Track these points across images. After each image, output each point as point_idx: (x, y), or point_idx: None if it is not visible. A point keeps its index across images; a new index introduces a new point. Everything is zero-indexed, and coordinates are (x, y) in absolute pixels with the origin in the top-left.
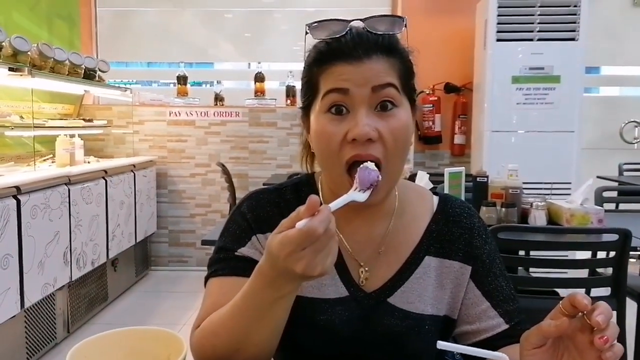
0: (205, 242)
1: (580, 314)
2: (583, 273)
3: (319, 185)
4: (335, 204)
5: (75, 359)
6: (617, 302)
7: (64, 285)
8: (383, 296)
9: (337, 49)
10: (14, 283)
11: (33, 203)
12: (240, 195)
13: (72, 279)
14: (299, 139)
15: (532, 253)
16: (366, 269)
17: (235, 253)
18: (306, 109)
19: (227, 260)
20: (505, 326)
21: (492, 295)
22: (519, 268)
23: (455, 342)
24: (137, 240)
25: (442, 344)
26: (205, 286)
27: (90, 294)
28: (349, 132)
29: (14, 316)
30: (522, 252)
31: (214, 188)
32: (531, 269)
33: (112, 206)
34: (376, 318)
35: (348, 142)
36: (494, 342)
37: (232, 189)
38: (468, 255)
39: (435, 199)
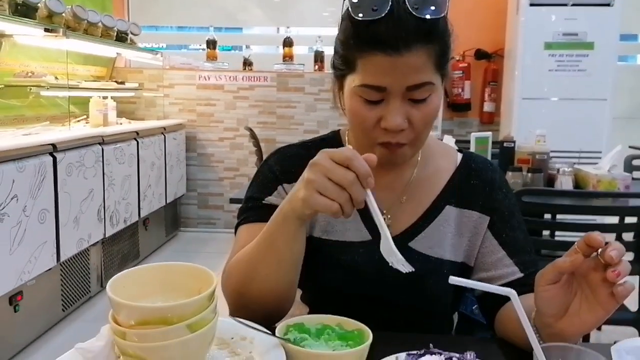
0: (233, 201)
1: (594, 254)
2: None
3: (346, 141)
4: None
5: (114, 287)
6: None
7: (97, 242)
8: (404, 240)
9: (376, 35)
10: (50, 237)
11: (68, 161)
12: None
13: (106, 236)
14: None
15: (557, 217)
16: (388, 216)
17: (263, 201)
18: (340, 76)
19: (255, 208)
20: (520, 274)
21: (508, 245)
22: (544, 232)
23: (472, 289)
24: (167, 202)
25: (454, 279)
26: (235, 235)
27: (123, 251)
28: (382, 119)
29: (51, 269)
30: (547, 217)
31: (242, 152)
32: (556, 234)
33: (143, 167)
34: None
35: (380, 127)
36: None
37: (259, 153)
38: (487, 206)
39: (460, 155)
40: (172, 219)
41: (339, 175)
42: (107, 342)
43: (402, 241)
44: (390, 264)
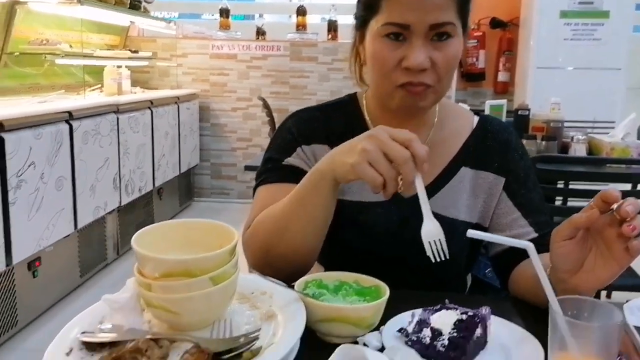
0: (248, 168)
1: (610, 210)
2: None
3: (363, 104)
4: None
5: (139, 241)
6: None
7: (113, 210)
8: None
9: None
10: (68, 204)
11: (84, 129)
12: None
13: (121, 204)
14: (350, 50)
15: (570, 185)
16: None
17: (283, 162)
18: (362, 24)
19: (274, 169)
20: (534, 235)
21: (523, 206)
22: (557, 200)
23: (486, 250)
24: (181, 171)
25: (471, 232)
26: (253, 196)
27: (138, 219)
28: (404, 59)
29: (68, 236)
30: (560, 185)
31: (255, 122)
32: (569, 201)
33: (157, 136)
34: (414, 221)
35: (402, 68)
36: (521, 250)
37: (272, 123)
38: (502, 168)
39: (476, 118)
40: (185, 188)
41: (396, 151)
42: (133, 294)
43: (416, 202)
44: (427, 249)
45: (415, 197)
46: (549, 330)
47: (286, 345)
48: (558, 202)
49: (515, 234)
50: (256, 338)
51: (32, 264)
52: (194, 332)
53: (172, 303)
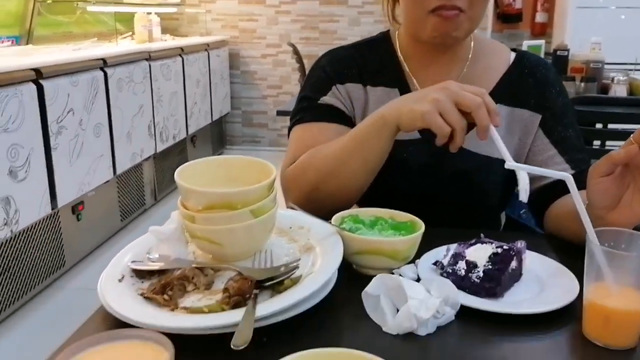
0: (280, 113)
1: None
2: None
3: (396, 41)
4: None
5: (182, 176)
6: None
7: (150, 156)
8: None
9: None
10: (106, 150)
11: (118, 76)
12: None
13: (157, 151)
14: None
15: (609, 127)
16: None
17: (318, 102)
18: None
19: (310, 108)
20: (572, 171)
21: (560, 144)
22: (595, 142)
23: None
24: (213, 119)
25: (510, 165)
26: (289, 136)
27: (173, 166)
28: None
29: (108, 181)
30: (599, 126)
31: (285, 69)
32: (608, 143)
33: (189, 84)
34: (447, 157)
35: None
36: (558, 187)
37: (302, 70)
38: (539, 105)
39: (513, 54)
40: (218, 136)
41: (470, 98)
42: (178, 226)
43: (450, 139)
44: (520, 200)
45: None
46: (585, 261)
47: (325, 273)
48: (596, 145)
49: None
50: (296, 267)
51: (76, 208)
52: (236, 262)
53: (214, 234)
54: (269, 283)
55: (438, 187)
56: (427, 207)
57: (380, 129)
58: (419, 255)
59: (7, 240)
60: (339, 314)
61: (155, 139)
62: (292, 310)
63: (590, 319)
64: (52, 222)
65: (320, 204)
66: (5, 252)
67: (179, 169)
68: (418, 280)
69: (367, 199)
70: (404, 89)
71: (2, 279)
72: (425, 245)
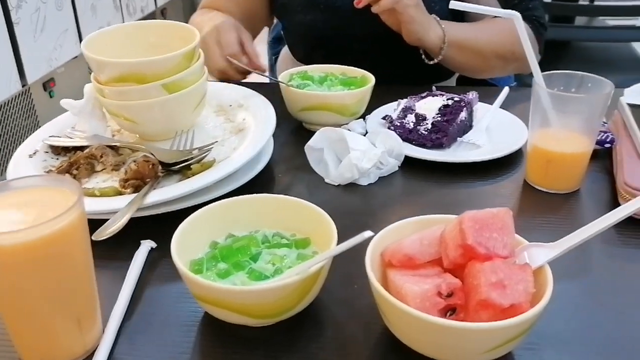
0: None
1: None
2: None
3: None
4: None
5: (89, 47)
6: None
7: None
8: None
9: None
10: (71, 24)
11: None
12: None
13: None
14: None
15: None
16: None
17: None
18: None
19: None
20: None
21: None
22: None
23: None
24: None
25: (454, 4)
26: None
27: None
28: None
29: (77, 57)
30: None
31: None
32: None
33: None
34: None
35: None
36: None
37: None
38: None
39: None
40: (190, 8)
41: None
42: (89, 98)
43: None
44: None
45: None
46: (531, 106)
47: (238, 160)
48: None
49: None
50: (208, 151)
51: (47, 85)
52: (158, 142)
53: (126, 110)
54: (177, 167)
55: (376, 27)
56: (370, 57)
57: None
58: (370, 111)
59: None
60: (284, 168)
61: (122, 11)
62: (201, 195)
63: (532, 164)
64: (24, 100)
65: None
66: None
67: (86, 38)
68: (366, 134)
69: (306, 56)
70: None
71: None
72: (378, 101)
